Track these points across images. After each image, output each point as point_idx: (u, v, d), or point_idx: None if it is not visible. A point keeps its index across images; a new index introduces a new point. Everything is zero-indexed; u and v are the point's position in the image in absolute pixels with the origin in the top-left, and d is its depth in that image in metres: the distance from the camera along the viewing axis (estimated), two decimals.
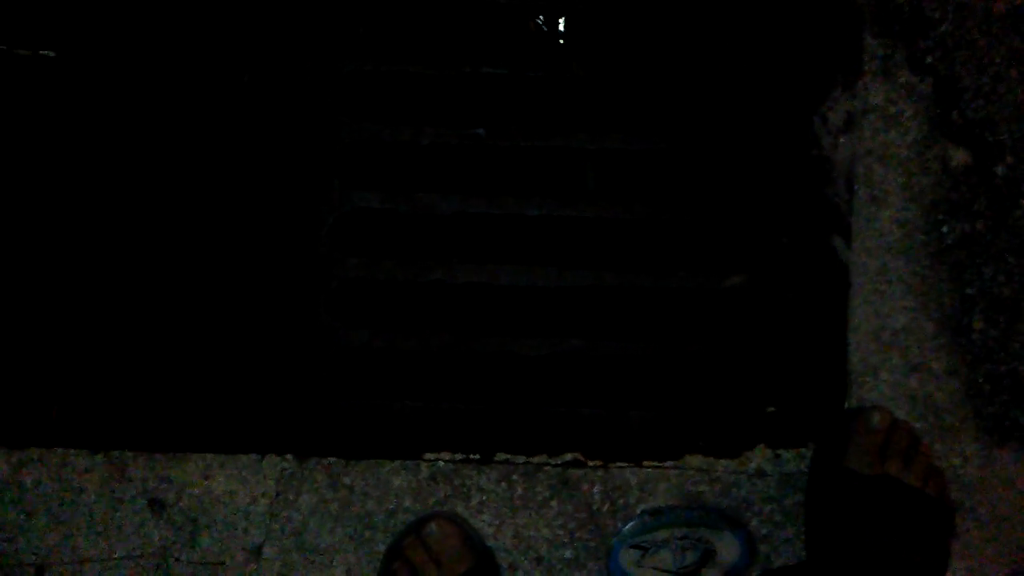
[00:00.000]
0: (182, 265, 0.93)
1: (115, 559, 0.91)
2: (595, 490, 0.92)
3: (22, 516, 0.92)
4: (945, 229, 0.93)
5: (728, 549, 0.91)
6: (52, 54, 0.93)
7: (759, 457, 0.92)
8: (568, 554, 0.92)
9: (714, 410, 0.93)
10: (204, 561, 0.91)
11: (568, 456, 0.92)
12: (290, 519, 0.92)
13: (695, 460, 0.92)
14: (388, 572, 0.86)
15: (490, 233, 0.94)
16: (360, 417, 0.93)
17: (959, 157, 0.93)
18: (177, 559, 0.91)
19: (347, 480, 0.92)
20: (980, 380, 0.92)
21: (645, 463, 0.92)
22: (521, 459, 0.92)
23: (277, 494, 0.92)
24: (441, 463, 0.92)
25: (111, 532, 0.92)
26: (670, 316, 0.93)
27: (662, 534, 0.90)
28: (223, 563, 0.91)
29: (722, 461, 0.92)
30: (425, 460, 0.92)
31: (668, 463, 0.92)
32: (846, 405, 0.92)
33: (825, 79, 0.93)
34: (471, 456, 0.92)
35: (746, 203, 0.93)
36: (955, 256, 0.93)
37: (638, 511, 0.92)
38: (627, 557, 0.90)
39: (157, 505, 0.92)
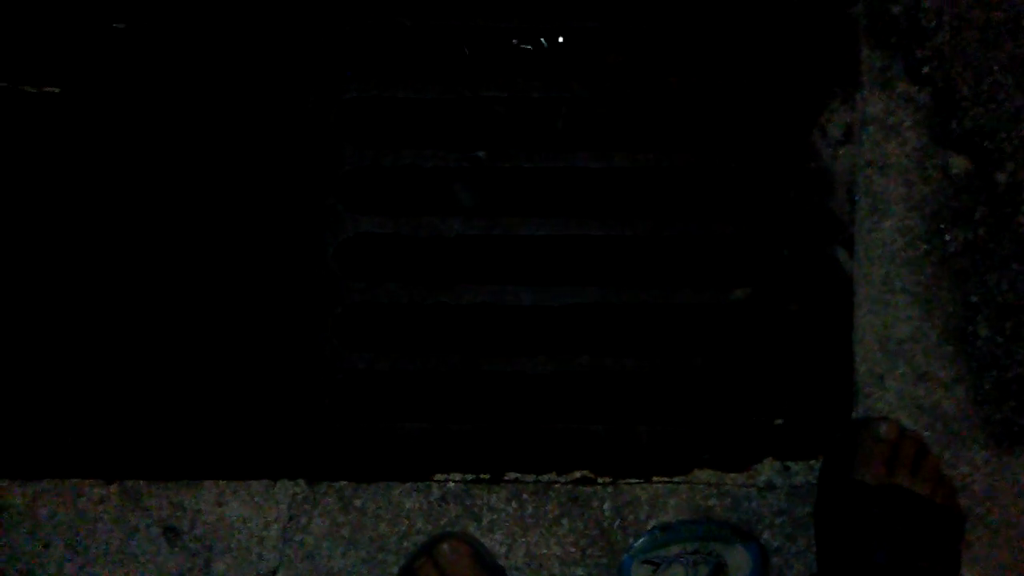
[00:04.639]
0: (190, 295, 0.94)
1: None
2: (605, 507, 0.93)
3: (39, 547, 0.93)
4: (948, 237, 0.93)
5: (740, 562, 0.91)
6: (57, 90, 0.94)
7: (768, 470, 0.93)
8: (580, 572, 0.92)
9: (722, 424, 0.93)
10: None
11: (577, 474, 0.93)
12: (303, 543, 0.92)
13: (704, 474, 0.93)
14: None
15: (494, 254, 0.95)
16: (370, 440, 0.93)
17: (959, 165, 0.93)
18: None
19: (358, 503, 0.93)
20: (987, 387, 0.92)
21: (655, 479, 0.93)
22: (531, 478, 0.93)
23: (290, 519, 0.93)
24: (451, 484, 0.93)
25: (127, 561, 0.92)
26: (676, 331, 0.94)
27: (673, 549, 0.91)
28: None
29: (731, 475, 0.93)
30: (435, 481, 0.93)
31: (677, 478, 0.93)
32: (853, 416, 0.92)
33: (823, 92, 0.93)
34: (481, 476, 0.93)
35: (748, 217, 0.94)
36: (958, 264, 0.93)
37: (649, 526, 0.92)
38: (639, 573, 0.90)
39: (172, 533, 0.93)
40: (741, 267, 0.94)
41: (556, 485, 0.93)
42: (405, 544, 0.92)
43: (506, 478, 0.93)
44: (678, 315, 0.94)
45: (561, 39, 0.95)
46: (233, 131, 0.94)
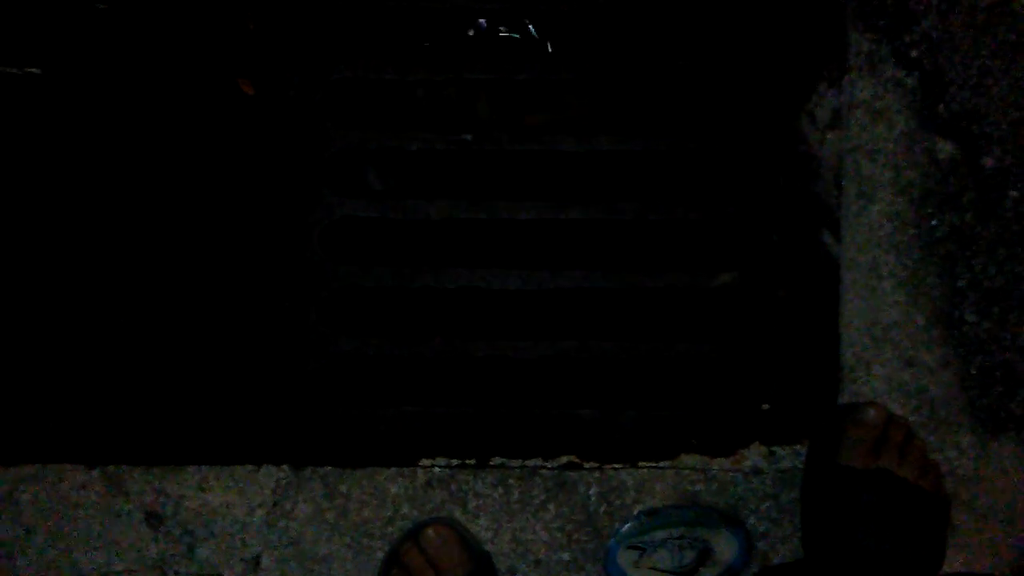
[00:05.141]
0: (174, 278, 0.93)
1: (114, 573, 0.92)
2: (591, 492, 0.92)
3: (20, 532, 0.92)
4: (935, 222, 0.93)
5: (726, 547, 0.91)
6: (39, 71, 0.93)
7: (754, 455, 0.92)
8: (566, 556, 0.92)
9: (708, 409, 0.93)
10: (202, 573, 0.91)
11: (564, 459, 0.93)
12: (287, 529, 0.92)
13: (691, 459, 0.92)
14: None
15: (480, 237, 0.94)
16: (355, 425, 0.93)
17: (947, 150, 0.93)
18: (176, 572, 0.91)
19: (343, 488, 0.92)
20: (973, 372, 0.92)
21: (641, 464, 0.92)
22: (517, 463, 0.92)
23: (274, 504, 0.92)
24: (437, 469, 0.92)
25: (109, 546, 0.92)
26: (662, 316, 0.94)
27: (659, 534, 0.90)
28: (221, 574, 0.91)
29: (718, 460, 0.92)
30: (421, 466, 0.92)
31: (664, 463, 0.92)
32: (840, 401, 0.92)
33: (811, 76, 0.93)
34: (467, 461, 0.92)
35: (735, 201, 0.93)
36: (945, 249, 0.93)
37: (635, 512, 0.92)
38: (625, 558, 0.90)
39: (154, 518, 0.92)
40: (728, 252, 0.93)
41: (542, 470, 0.93)
42: (390, 529, 0.92)
43: (492, 463, 0.93)
44: (665, 300, 0.94)
45: (547, 22, 0.95)
46: (217, 113, 0.93)
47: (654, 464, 0.92)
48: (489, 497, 0.92)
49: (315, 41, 0.94)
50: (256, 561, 0.92)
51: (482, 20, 0.94)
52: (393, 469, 0.92)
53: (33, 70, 0.93)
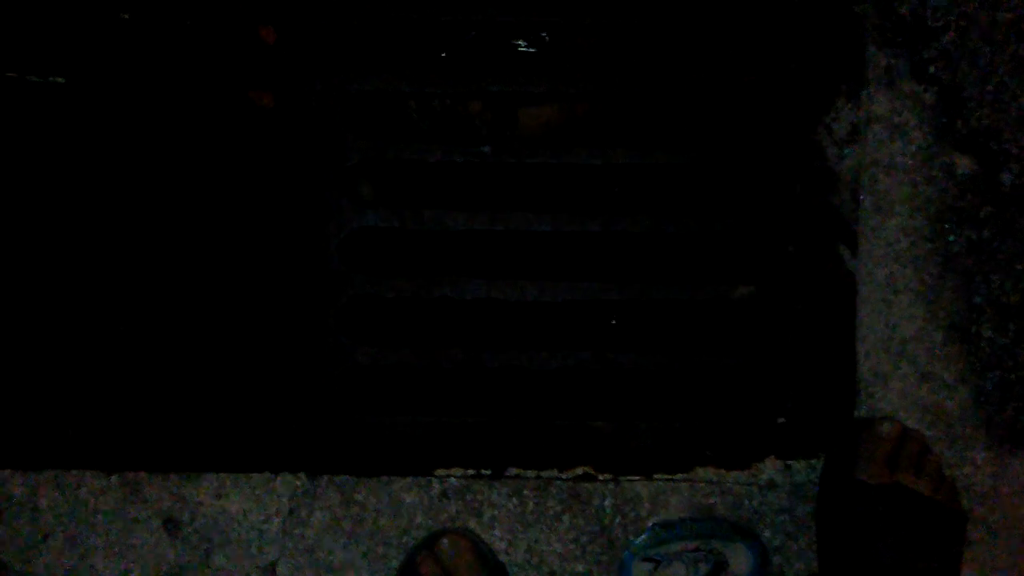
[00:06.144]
0: (192, 287, 0.93)
1: None
2: (606, 504, 0.92)
3: (38, 538, 0.92)
4: (952, 237, 0.93)
5: (740, 560, 0.91)
6: (62, 80, 0.94)
7: (770, 468, 0.92)
8: (580, 568, 0.92)
9: (724, 422, 0.93)
10: None
11: (579, 470, 0.93)
12: (303, 537, 0.92)
13: (706, 472, 0.93)
14: None
15: (498, 249, 0.94)
16: (371, 434, 0.93)
17: (964, 165, 0.93)
18: None
19: (359, 497, 0.92)
20: (990, 388, 0.92)
21: (656, 476, 0.93)
22: (532, 474, 0.93)
23: (290, 512, 0.92)
24: (452, 479, 0.93)
25: (127, 552, 0.92)
26: (679, 328, 0.94)
27: (674, 547, 0.90)
28: None
29: (733, 473, 0.92)
30: (437, 476, 0.93)
31: (679, 476, 0.93)
32: (856, 415, 0.92)
33: (829, 90, 0.93)
34: (482, 472, 0.93)
35: (753, 215, 0.94)
36: (963, 264, 0.93)
37: (650, 524, 0.92)
38: (639, 570, 0.90)
39: (172, 525, 0.92)
40: (745, 265, 0.94)
41: (557, 481, 0.93)
42: (405, 539, 0.92)
43: (507, 474, 0.93)
44: (681, 312, 0.94)
45: (564, 35, 0.95)
46: (238, 123, 0.94)
47: (669, 476, 0.93)
48: (504, 508, 0.92)
49: (334, 53, 0.95)
50: (272, 568, 0.92)
51: (501, 33, 0.95)
52: (409, 479, 0.93)
53: (57, 79, 0.94)
